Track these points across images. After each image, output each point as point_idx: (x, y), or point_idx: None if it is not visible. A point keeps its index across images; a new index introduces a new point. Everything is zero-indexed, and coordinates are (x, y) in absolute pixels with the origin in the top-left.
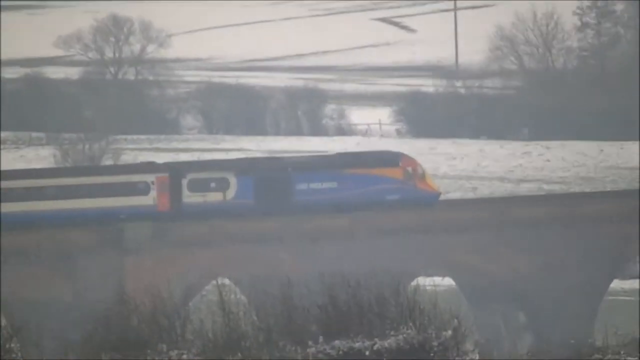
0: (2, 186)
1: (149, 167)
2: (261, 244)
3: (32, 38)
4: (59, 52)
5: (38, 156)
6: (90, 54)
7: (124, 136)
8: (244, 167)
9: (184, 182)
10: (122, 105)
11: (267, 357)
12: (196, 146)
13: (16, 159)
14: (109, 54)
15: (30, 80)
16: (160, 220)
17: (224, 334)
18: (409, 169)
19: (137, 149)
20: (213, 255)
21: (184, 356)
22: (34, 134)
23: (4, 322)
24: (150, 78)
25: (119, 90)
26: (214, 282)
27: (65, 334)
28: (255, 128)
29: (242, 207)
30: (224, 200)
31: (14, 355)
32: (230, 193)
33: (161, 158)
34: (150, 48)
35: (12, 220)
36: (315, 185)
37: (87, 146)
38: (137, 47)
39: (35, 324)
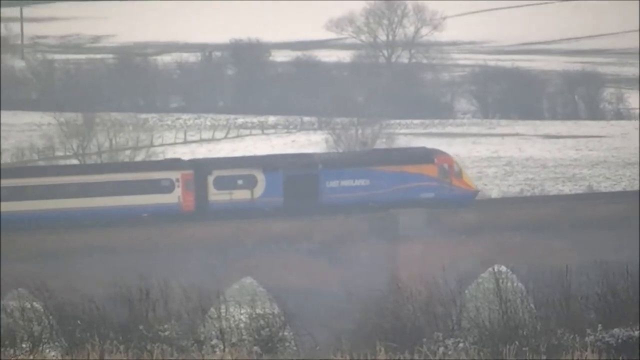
0: (22, 183)
1: (174, 164)
2: (536, 232)
3: (304, 21)
4: (331, 35)
5: (310, 141)
6: (363, 37)
7: (397, 120)
8: (272, 163)
9: (210, 179)
10: (395, 89)
11: (544, 346)
12: (471, 131)
13: (287, 143)
14: (382, 37)
15: (301, 63)
16: (184, 220)
17: (501, 322)
18: (445, 165)
19: (410, 134)
20: (488, 243)
21: (460, 344)
22: (305, 119)
23: (276, 311)
24: (425, 61)
25: (392, 73)
26: (490, 269)
27: (337, 323)
28: (531, 112)
29: (271, 205)
30: (251, 199)
31: (287, 344)
32: (258, 191)
33: (435, 143)
34: (425, 31)
35: (30, 219)
36: (346, 183)
37: (359, 131)
38: (410, 30)
39: (308, 312)
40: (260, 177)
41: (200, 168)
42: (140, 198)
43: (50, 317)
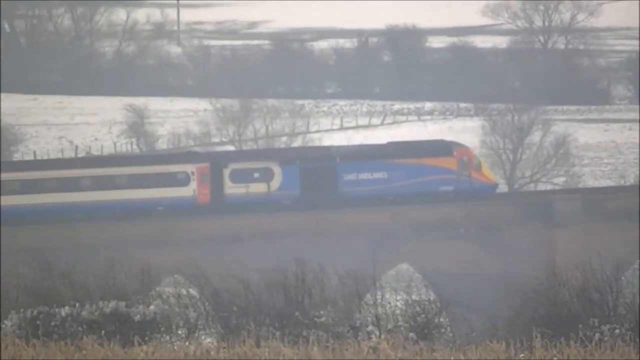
0: (31, 177)
1: (189, 157)
2: None
3: (460, 6)
4: (487, 21)
5: (465, 128)
6: (519, 23)
7: (553, 107)
8: (289, 156)
9: (226, 172)
10: (551, 75)
11: None
12: (627, 117)
13: (444, 130)
14: (538, 22)
15: (457, 49)
16: (200, 213)
17: None
18: (464, 158)
19: (567, 120)
20: None
21: (616, 331)
22: (462, 105)
23: (432, 297)
24: (581, 47)
25: (548, 59)
26: None
27: (493, 309)
28: None
29: (287, 198)
30: (268, 192)
31: (442, 330)
32: (275, 184)
33: (591, 129)
34: (581, 16)
35: (42, 213)
36: (364, 176)
37: (515, 117)
38: (567, 16)
39: (465, 298)
40: (277, 170)
41: (216, 161)
42: (156, 191)
43: (206, 303)
